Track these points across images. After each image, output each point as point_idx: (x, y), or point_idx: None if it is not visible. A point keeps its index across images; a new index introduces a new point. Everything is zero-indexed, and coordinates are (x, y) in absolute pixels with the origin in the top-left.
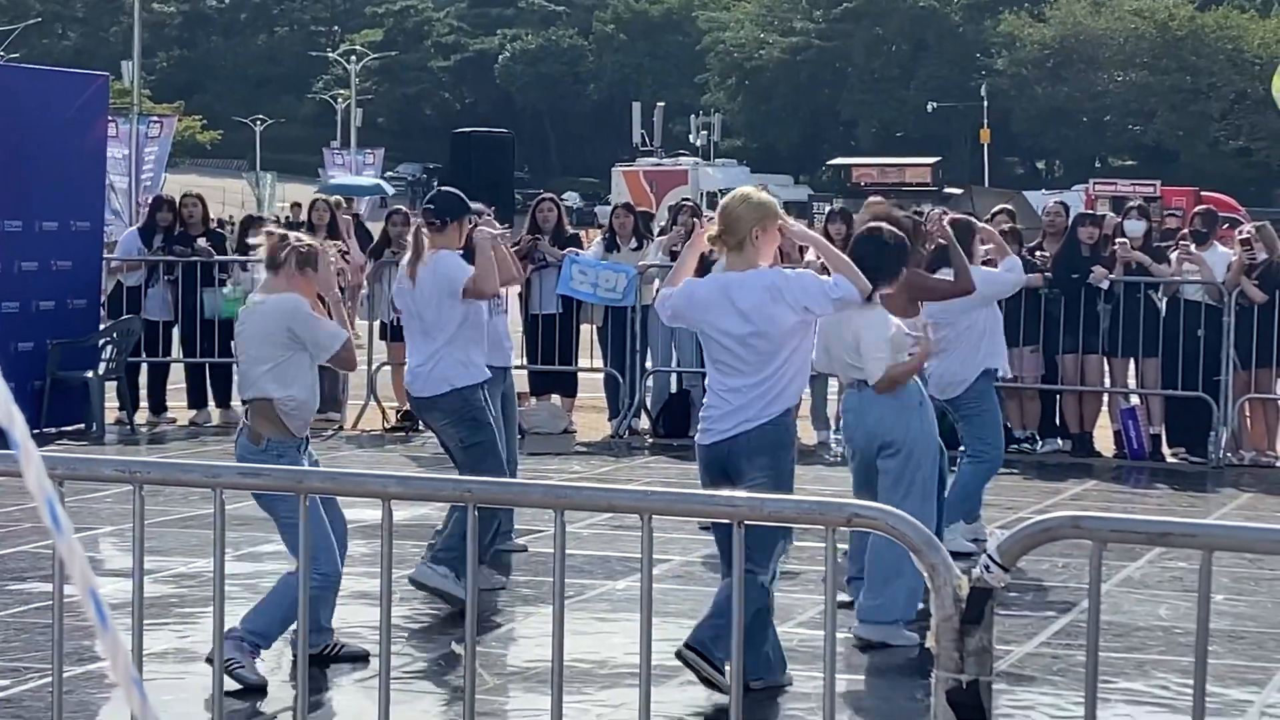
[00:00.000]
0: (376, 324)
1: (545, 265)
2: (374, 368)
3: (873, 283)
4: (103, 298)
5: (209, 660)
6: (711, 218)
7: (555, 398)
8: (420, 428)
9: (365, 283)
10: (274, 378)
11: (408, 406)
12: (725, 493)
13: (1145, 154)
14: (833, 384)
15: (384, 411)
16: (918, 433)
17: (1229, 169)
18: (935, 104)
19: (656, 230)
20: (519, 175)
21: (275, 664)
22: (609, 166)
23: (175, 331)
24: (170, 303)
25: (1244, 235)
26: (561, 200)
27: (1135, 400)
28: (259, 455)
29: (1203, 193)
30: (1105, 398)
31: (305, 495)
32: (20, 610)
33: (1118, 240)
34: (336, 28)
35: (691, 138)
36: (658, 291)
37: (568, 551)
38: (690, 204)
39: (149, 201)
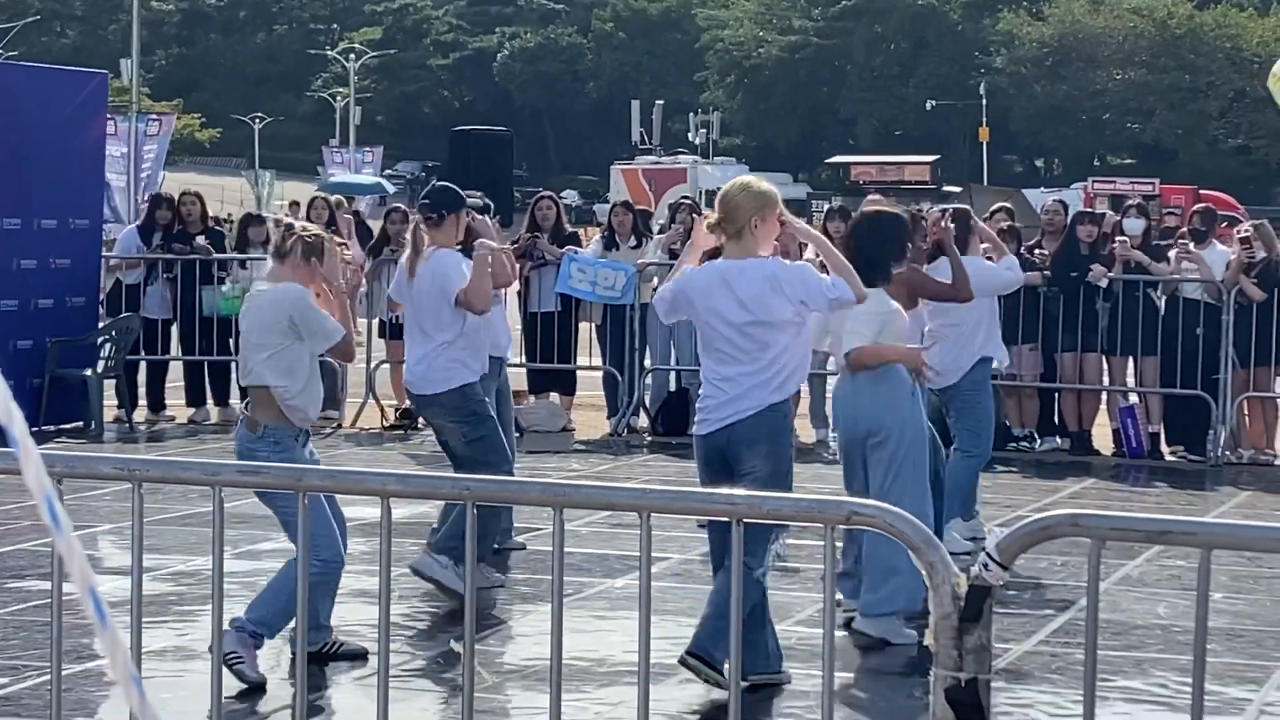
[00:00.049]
0: (375, 322)
1: (544, 263)
2: (373, 366)
3: (876, 264)
4: (101, 296)
5: (213, 650)
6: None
7: (554, 396)
8: (419, 426)
9: (365, 281)
10: (272, 366)
11: (406, 405)
12: (724, 491)
13: (1144, 152)
14: (831, 384)
15: (383, 410)
16: (906, 421)
17: (1228, 167)
18: (934, 102)
19: (655, 228)
20: (518, 173)
21: (274, 662)
22: (608, 165)
23: (174, 329)
24: (169, 301)
25: (1243, 234)
26: (560, 198)
27: (1134, 398)
28: (256, 443)
29: (1201, 191)
30: (1104, 396)
31: (304, 493)
32: (19, 608)
33: (1117, 239)
34: (335, 26)
35: (690, 136)
36: (655, 290)
37: (566, 549)
38: (689, 202)
39: (148, 199)
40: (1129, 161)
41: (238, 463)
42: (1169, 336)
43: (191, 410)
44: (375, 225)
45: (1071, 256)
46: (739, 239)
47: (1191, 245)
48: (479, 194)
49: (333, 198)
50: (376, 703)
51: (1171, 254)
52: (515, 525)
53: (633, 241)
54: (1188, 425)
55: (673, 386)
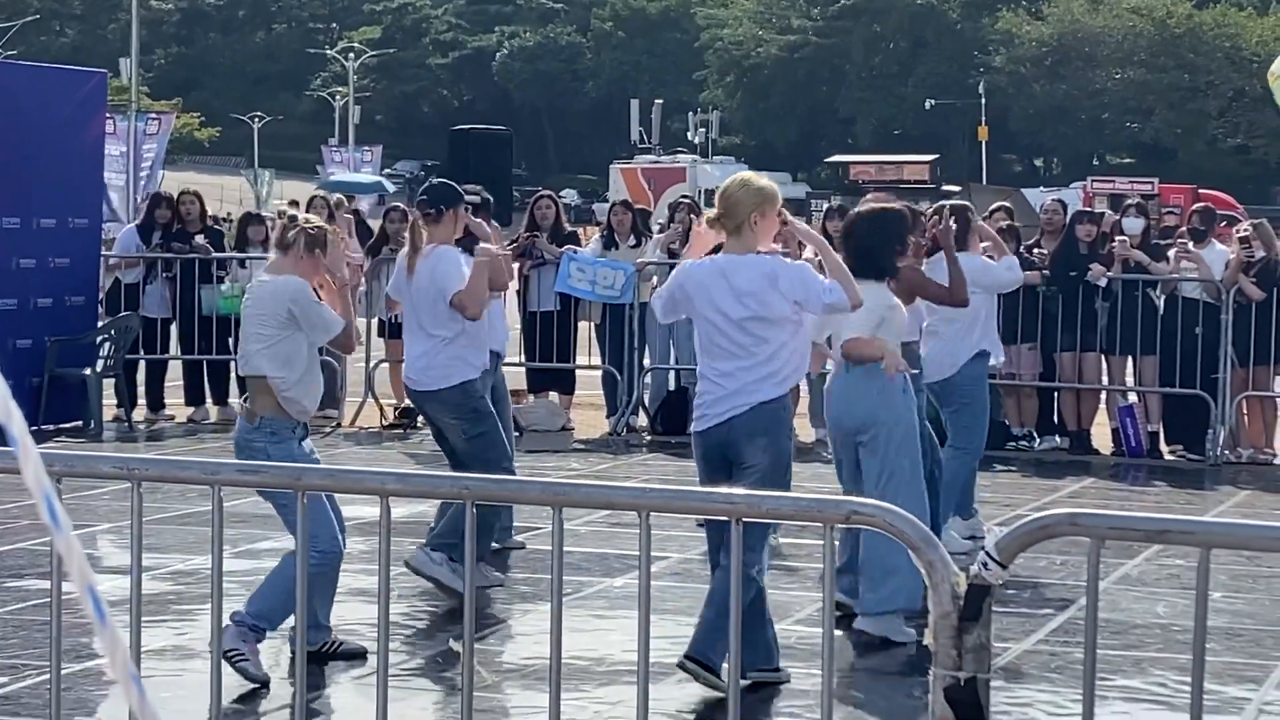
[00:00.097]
0: (375, 321)
1: (543, 263)
2: (372, 365)
3: (877, 259)
4: (101, 295)
5: (213, 648)
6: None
7: (553, 395)
8: (418, 425)
9: (364, 280)
10: (269, 356)
11: (406, 404)
12: (723, 490)
13: (1143, 152)
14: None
15: (382, 409)
16: (897, 419)
17: (1227, 167)
18: (933, 101)
19: (655, 228)
20: (517, 173)
21: (273, 661)
22: (607, 164)
23: (173, 329)
24: (168, 300)
25: (1242, 233)
26: (559, 197)
27: (1133, 398)
28: (253, 434)
29: (1201, 190)
30: (1103, 395)
31: (303, 492)
32: (18, 607)
33: (1116, 238)
34: (334, 25)
35: (689, 135)
36: (655, 290)
37: (565, 549)
38: (688, 201)
39: (147, 198)
40: (1128, 161)
41: (237, 462)
42: (1168, 336)
43: (190, 409)
44: (376, 225)
45: (1070, 256)
46: (738, 235)
47: (1190, 244)
48: (478, 188)
49: (333, 197)
50: (376, 702)
51: (1171, 253)
52: (515, 524)
53: (632, 241)
54: (1187, 424)
55: (672, 385)
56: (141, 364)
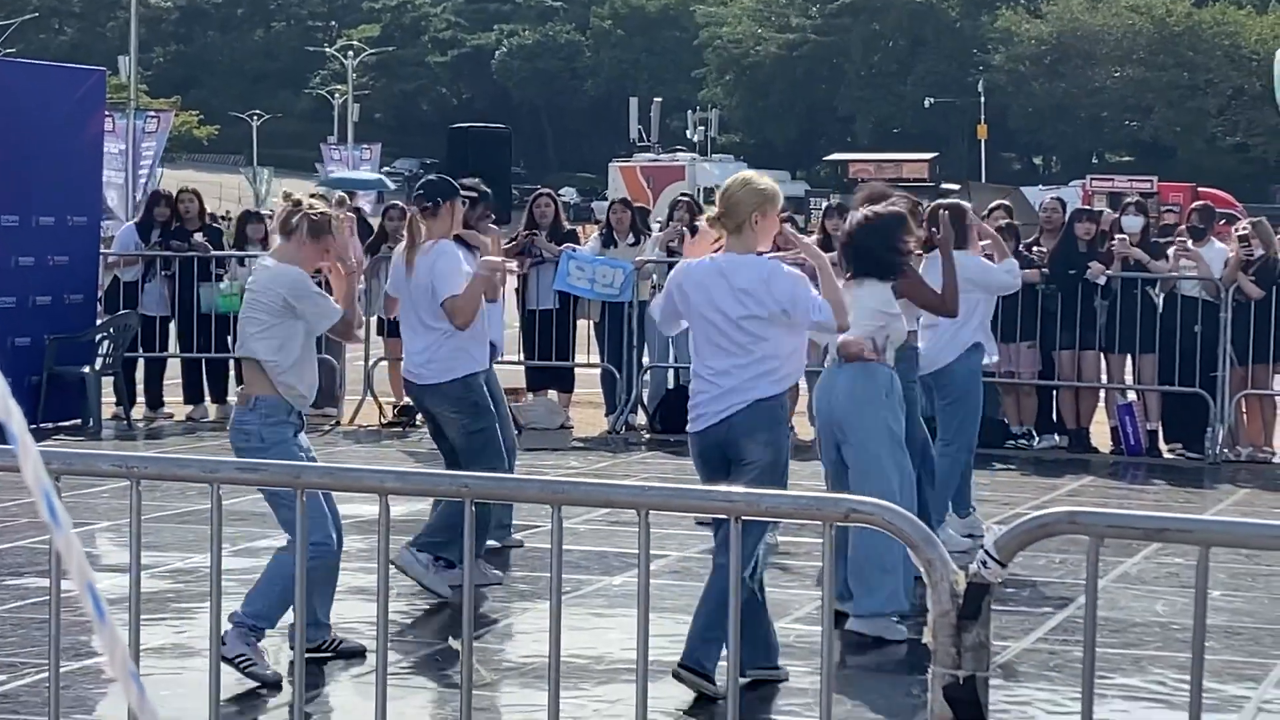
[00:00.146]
0: (374, 319)
1: (542, 261)
2: (371, 363)
3: (882, 262)
4: (100, 293)
5: (212, 646)
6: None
7: (552, 393)
8: (417, 423)
9: (363, 278)
10: (262, 340)
11: (405, 402)
12: (722, 488)
13: (1142, 150)
14: None
15: (381, 407)
16: (879, 422)
17: (1226, 165)
18: (932, 100)
19: (654, 226)
20: (516, 171)
21: (272, 660)
22: (606, 162)
23: (172, 327)
24: (167, 298)
25: (1241, 231)
26: (558, 196)
27: (1132, 396)
28: (247, 415)
29: (1200, 188)
30: (1102, 393)
31: (302, 491)
32: (17, 605)
33: (1115, 236)
34: (333, 23)
35: (688, 133)
36: (654, 289)
37: (564, 547)
38: (688, 199)
39: (146, 196)
40: (1127, 159)
41: (236, 460)
42: (1167, 334)
43: (189, 407)
44: (377, 223)
45: (1070, 254)
46: (739, 234)
47: (1190, 243)
48: (475, 181)
49: (334, 195)
50: (375, 700)
51: (1170, 251)
52: (514, 522)
53: (631, 239)
54: (1186, 423)
55: (671, 384)
56: (140, 362)
